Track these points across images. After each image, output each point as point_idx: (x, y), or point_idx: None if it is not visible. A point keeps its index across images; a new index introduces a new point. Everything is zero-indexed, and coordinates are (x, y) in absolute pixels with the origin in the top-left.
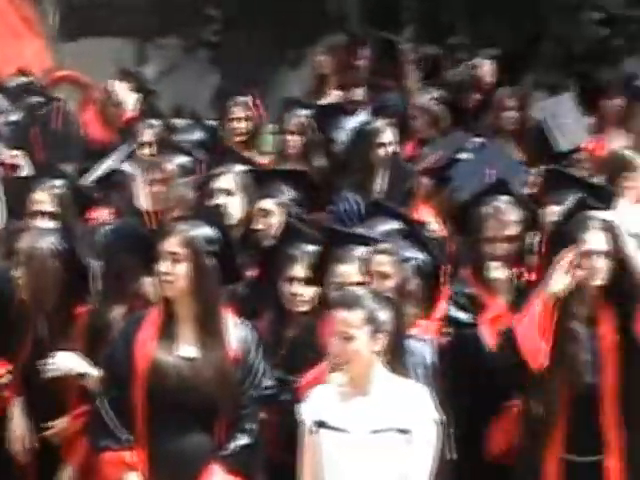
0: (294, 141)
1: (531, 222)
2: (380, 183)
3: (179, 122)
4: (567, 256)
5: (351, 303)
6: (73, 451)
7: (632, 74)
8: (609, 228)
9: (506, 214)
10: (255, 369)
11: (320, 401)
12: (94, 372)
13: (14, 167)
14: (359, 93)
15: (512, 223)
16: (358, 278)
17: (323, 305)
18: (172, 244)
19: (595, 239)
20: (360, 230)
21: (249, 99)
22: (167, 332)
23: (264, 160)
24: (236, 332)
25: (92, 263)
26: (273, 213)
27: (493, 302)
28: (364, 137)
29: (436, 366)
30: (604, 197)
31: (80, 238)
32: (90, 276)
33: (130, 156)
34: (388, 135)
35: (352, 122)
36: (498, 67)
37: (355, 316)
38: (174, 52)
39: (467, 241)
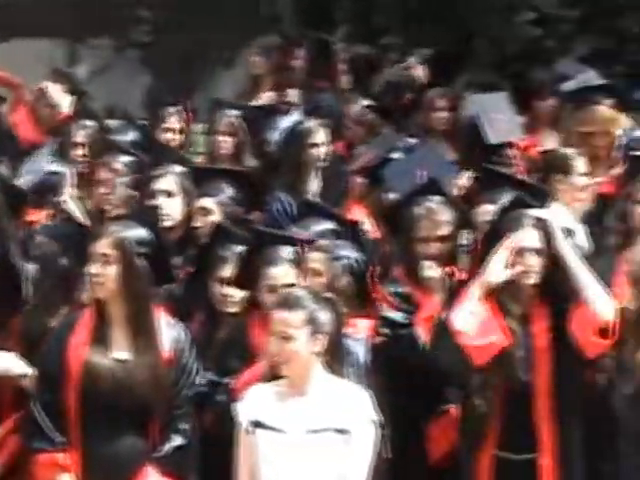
0: (225, 142)
1: (463, 221)
2: (313, 183)
3: (112, 123)
4: (504, 247)
5: (291, 304)
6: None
7: (564, 75)
8: (543, 226)
9: (438, 214)
10: (189, 369)
11: (257, 401)
12: (31, 372)
13: None
14: (293, 94)
15: (444, 223)
16: (290, 279)
17: (254, 307)
18: (102, 245)
19: (529, 236)
20: (286, 231)
21: (181, 108)
22: (100, 334)
23: (196, 161)
24: (169, 333)
25: (26, 267)
26: (213, 212)
27: (427, 301)
28: (296, 137)
29: (369, 365)
30: (538, 196)
31: (14, 241)
32: (24, 280)
33: (58, 156)
34: (320, 135)
35: (285, 122)
36: (431, 67)
37: (295, 316)
38: (105, 52)
39: (400, 241)
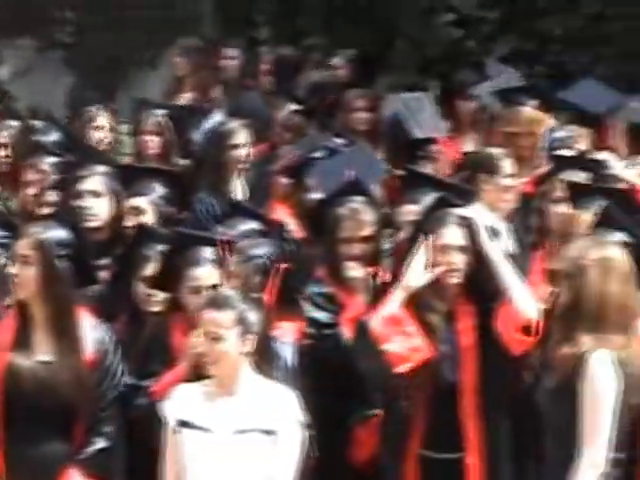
0: (152, 142)
1: (386, 222)
2: (235, 184)
3: (36, 123)
4: (422, 251)
5: (221, 304)
6: None
7: (489, 76)
8: (467, 224)
9: (361, 214)
10: (113, 371)
11: (184, 400)
12: None
13: None
14: (216, 94)
15: (368, 223)
16: (213, 280)
17: (175, 308)
18: (22, 247)
19: (452, 234)
20: (209, 231)
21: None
22: (23, 336)
23: (124, 160)
24: (92, 334)
25: None
26: (145, 211)
27: (352, 301)
28: (217, 138)
29: (296, 367)
30: (461, 196)
31: None
32: None
33: None
34: (241, 136)
35: (207, 123)
36: (354, 68)
37: (225, 316)
38: (28, 53)
39: (323, 241)
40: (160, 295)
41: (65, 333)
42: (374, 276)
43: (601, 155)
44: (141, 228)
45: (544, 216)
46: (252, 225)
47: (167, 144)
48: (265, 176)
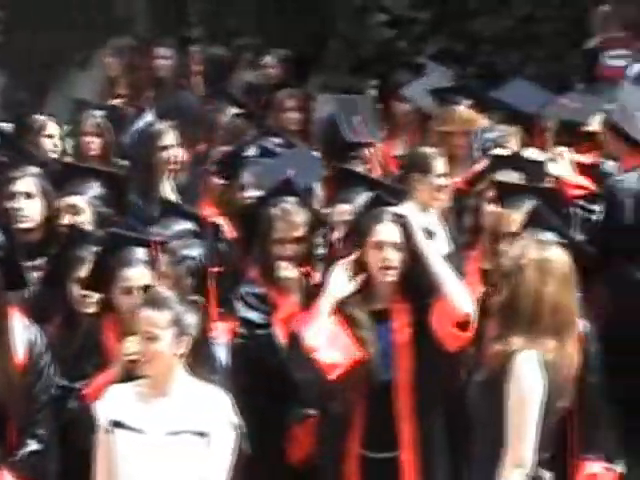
0: (92, 143)
1: (318, 222)
2: (165, 185)
3: None
4: (347, 259)
5: (158, 304)
6: None
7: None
8: (401, 221)
9: (294, 215)
10: (45, 373)
11: (117, 401)
12: None
13: None
14: (148, 94)
15: (300, 224)
16: (145, 281)
17: (108, 309)
18: None
19: (387, 231)
20: (140, 232)
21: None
22: None
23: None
24: (24, 336)
25: None
26: (82, 210)
27: (284, 302)
28: (146, 140)
29: (230, 367)
30: (395, 196)
31: None
32: None
33: None
34: (170, 138)
35: (138, 124)
36: (286, 68)
37: (161, 316)
38: None
39: (256, 242)
40: (94, 296)
41: None
42: (307, 276)
43: (528, 152)
44: (74, 229)
45: (479, 216)
46: (186, 226)
47: (107, 145)
48: (198, 177)
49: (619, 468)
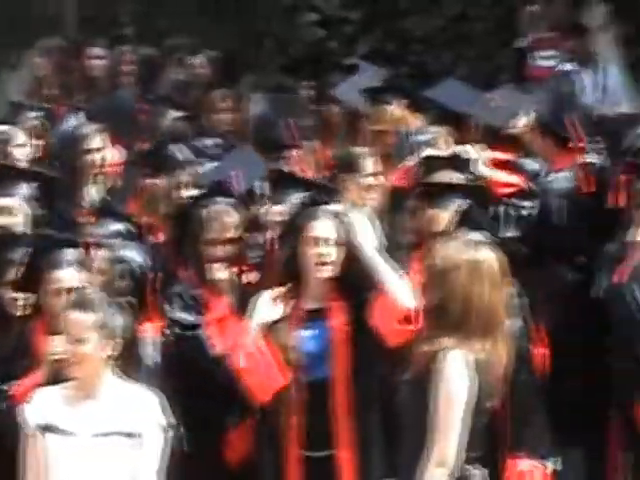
0: (32, 144)
1: (251, 223)
2: (91, 188)
3: None
4: (274, 290)
5: (86, 305)
6: None
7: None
8: (338, 217)
9: (226, 216)
10: None
11: (45, 403)
12: None
13: None
14: (81, 94)
15: (232, 225)
16: (75, 283)
17: (39, 311)
18: None
19: (321, 227)
20: (65, 234)
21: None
22: None
23: None
24: None
25: None
26: (15, 211)
27: (217, 303)
28: (72, 142)
29: (159, 368)
30: (326, 195)
31: None
32: None
33: None
34: (96, 141)
35: (64, 126)
36: (217, 68)
37: (89, 318)
38: None
39: (188, 243)
40: (24, 298)
41: None
42: (239, 276)
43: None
44: (4, 231)
45: (418, 216)
46: (119, 227)
47: (47, 146)
48: (132, 178)
49: (551, 465)
